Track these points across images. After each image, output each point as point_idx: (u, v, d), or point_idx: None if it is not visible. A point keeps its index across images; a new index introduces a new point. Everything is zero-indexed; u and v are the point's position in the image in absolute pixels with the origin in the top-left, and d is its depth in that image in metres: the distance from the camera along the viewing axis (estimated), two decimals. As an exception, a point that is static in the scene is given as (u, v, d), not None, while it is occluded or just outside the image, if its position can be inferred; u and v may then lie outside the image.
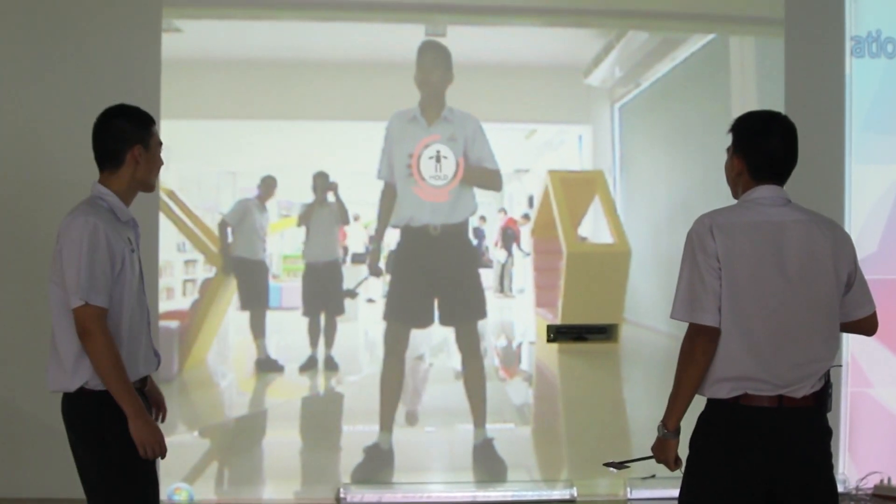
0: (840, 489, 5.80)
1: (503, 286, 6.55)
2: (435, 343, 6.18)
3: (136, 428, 3.19)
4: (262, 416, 6.06)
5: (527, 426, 6.29)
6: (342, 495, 5.74)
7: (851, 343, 5.92)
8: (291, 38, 5.94)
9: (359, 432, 5.99)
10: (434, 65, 6.00)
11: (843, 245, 3.13)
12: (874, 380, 6.03)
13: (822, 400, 3.08)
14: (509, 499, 5.86)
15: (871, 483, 5.94)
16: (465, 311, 6.10)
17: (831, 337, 3.12)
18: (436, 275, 6.07)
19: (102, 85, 5.60)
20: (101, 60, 5.64)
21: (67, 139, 5.59)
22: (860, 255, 3.23)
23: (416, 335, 6.10)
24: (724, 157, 3.29)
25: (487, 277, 6.26)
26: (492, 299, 6.24)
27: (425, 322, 6.06)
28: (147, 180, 3.43)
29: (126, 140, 3.34)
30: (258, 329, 6.01)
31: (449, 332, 6.11)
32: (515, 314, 6.61)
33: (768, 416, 3.00)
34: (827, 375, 3.11)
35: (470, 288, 6.13)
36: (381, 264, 6.10)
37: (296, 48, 5.95)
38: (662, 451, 3.19)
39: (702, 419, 3.13)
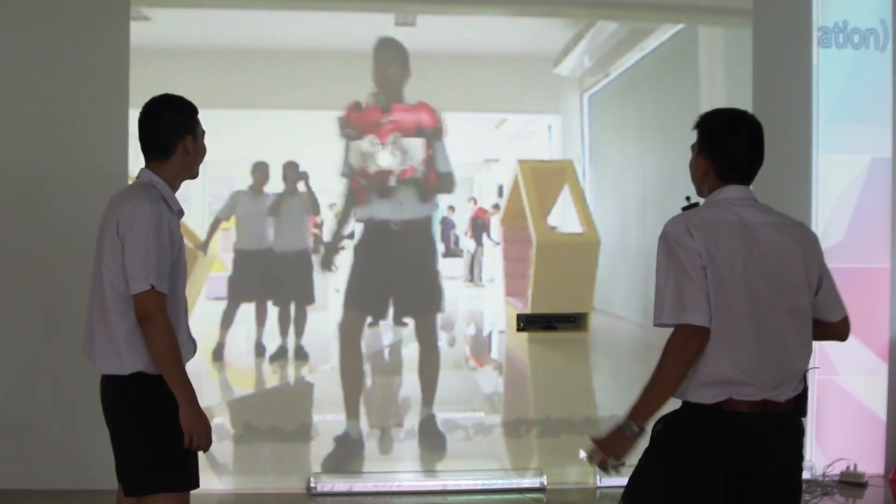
0: (807, 476, 5.90)
1: (473, 275, 6.56)
2: (403, 334, 6.18)
3: (188, 416, 3.14)
4: (233, 406, 6.03)
5: (497, 415, 6.30)
6: (313, 485, 5.72)
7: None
8: (261, 26, 5.89)
9: (329, 422, 5.98)
10: (390, 60, 5.97)
11: (811, 247, 3.05)
12: (840, 367, 6.08)
13: (801, 403, 3.01)
14: (479, 487, 5.87)
15: (837, 469, 6.00)
16: (422, 305, 6.11)
17: (807, 340, 3.04)
18: (394, 269, 6.06)
19: (70, 73, 5.57)
20: (69, 48, 5.58)
21: (35, 127, 5.55)
22: (827, 244, 3.20)
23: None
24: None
25: (457, 267, 6.26)
26: (462, 288, 6.26)
27: (380, 314, 6.07)
28: (194, 169, 3.42)
29: (177, 132, 3.32)
30: (262, 318, 6.02)
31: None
32: (485, 303, 6.62)
33: (751, 421, 2.89)
34: (804, 378, 3.04)
35: (427, 282, 6.13)
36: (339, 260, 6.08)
37: (266, 37, 5.91)
38: (621, 447, 3.01)
39: (676, 421, 3.00)
